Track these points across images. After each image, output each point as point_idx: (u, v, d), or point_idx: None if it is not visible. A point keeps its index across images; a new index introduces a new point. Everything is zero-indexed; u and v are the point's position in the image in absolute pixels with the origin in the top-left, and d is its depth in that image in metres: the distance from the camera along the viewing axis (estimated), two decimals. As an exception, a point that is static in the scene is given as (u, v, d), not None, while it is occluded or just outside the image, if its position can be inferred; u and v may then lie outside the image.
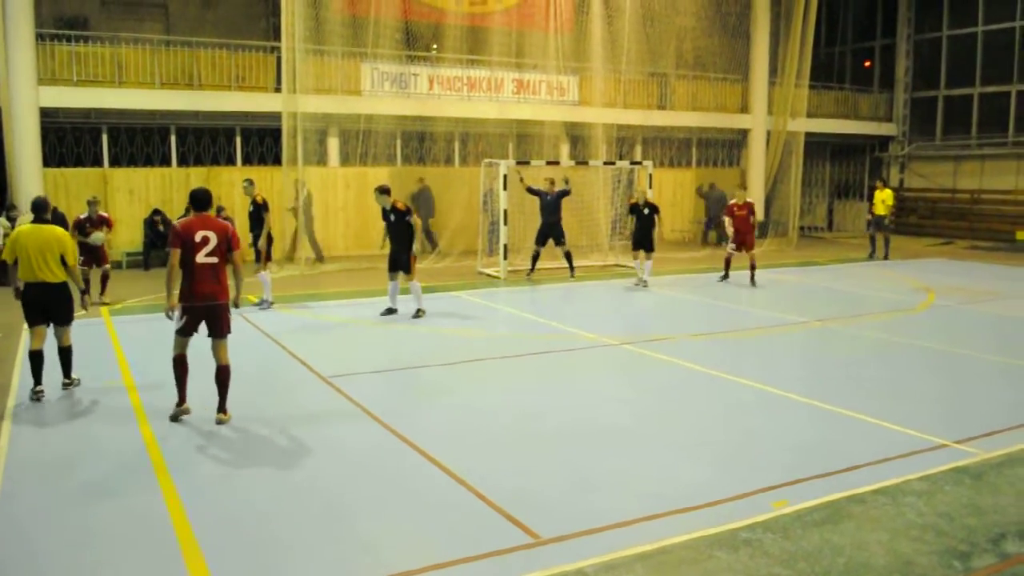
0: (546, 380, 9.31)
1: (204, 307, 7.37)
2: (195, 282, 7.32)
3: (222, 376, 7.51)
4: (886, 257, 20.86)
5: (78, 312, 8.81)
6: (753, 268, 16.08)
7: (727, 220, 16.18)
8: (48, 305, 8.23)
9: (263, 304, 13.20)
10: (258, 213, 13.17)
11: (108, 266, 13.54)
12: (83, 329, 11.51)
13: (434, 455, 6.60)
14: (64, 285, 8.26)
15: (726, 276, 16.40)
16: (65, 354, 8.50)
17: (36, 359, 8.24)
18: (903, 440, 7.06)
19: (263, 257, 13.21)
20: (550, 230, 16.90)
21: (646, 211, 15.74)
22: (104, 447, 6.88)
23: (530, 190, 17.08)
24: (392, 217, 12.48)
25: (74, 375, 8.64)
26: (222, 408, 7.53)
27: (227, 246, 7.43)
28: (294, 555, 5.01)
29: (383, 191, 12.57)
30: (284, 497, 5.86)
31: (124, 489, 5.98)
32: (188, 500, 5.71)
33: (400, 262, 12.57)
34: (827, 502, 5.69)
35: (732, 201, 16.34)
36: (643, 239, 15.81)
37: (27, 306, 8.24)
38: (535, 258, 17.22)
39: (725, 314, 13.71)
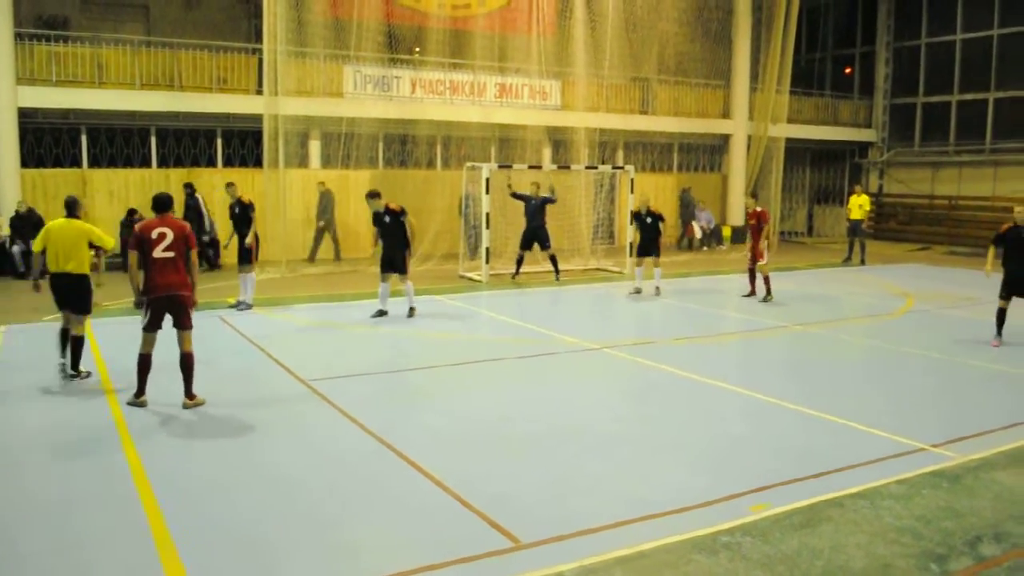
0: (526, 384, 9.31)
1: (166, 297, 7.80)
2: (155, 274, 7.78)
3: (186, 363, 7.92)
4: (863, 262, 21.02)
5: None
6: (752, 277, 15.24)
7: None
8: (68, 294, 8.80)
9: (240, 305, 13.17)
10: (245, 213, 13.20)
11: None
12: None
13: (414, 459, 6.59)
14: (84, 277, 8.83)
15: (751, 292, 15.29)
16: (76, 343, 8.88)
17: (64, 336, 8.96)
18: (881, 444, 7.11)
19: (252, 257, 13.22)
20: (534, 234, 16.96)
21: (648, 220, 15.31)
22: (82, 452, 6.82)
23: (515, 195, 17.13)
24: (387, 219, 12.61)
25: (82, 368, 8.95)
26: (188, 393, 7.96)
27: (184, 243, 7.91)
28: (274, 559, 4.98)
29: (373, 195, 12.74)
30: (264, 501, 5.83)
31: (100, 491, 5.93)
32: (165, 503, 5.67)
33: (395, 262, 12.66)
34: (806, 506, 5.72)
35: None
36: (649, 246, 15.40)
37: (54, 292, 8.89)
38: (519, 262, 17.27)
39: (706, 318, 13.77)
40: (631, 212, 16.17)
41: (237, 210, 13.26)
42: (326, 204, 19.39)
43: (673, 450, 7.06)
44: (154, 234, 7.76)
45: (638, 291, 15.63)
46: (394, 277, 12.78)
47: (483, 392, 8.97)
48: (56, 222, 8.93)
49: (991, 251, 11.66)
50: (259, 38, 19.14)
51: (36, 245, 8.92)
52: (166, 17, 22.06)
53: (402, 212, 12.60)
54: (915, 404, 8.63)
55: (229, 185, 13.73)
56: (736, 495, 5.92)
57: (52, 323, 11.89)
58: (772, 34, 24.66)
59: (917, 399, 8.86)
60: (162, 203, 8.00)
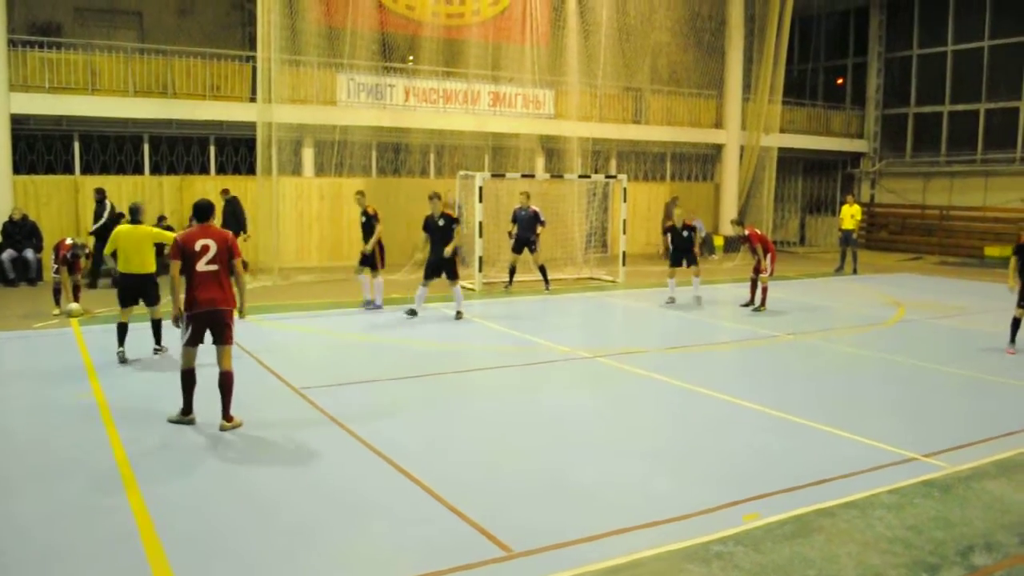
0: (519, 393, 9.31)
1: (207, 312, 7.45)
2: (197, 289, 7.43)
3: (225, 382, 7.54)
4: (855, 271, 21.11)
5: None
6: (753, 287, 15.13)
7: None
8: (139, 291, 10.15)
9: (370, 306, 14.04)
10: (369, 223, 13.87)
11: (79, 275, 13.41)
12: (52, 339, 11.40)
13: (406, 468, 6.57)
14: (152, 275, 10.18)
15: (749, 301, 15.20)
16: (156, 325, 10.45)
17: (123, 329, 10.09)
18: (872, 453, 7.12)
19: (376, 263, 13.91)
20: (526, 241, 17.00)
21: (685, 233, 15.44)
22: (72, 462, 6.77)
23: (514, 219, 17.16)
24: (441, 222, 13.14)
25: (164, 343, 10.52)
26: (226, 415, 7.58)
27: (228, 254, 7.55)
28: (267, 569, 4.96)
29: (437, 196, 13.34)
30: (254, 511, 5.81)
31: (91, 502, 5.90)
32: (156, 512, 5.64)
33: (443, 267, 13.19)
34: (797, 515, 5.72)
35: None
36: (682, 256, 15.52)
37: (122, 291, 10.09)
38: (512, 271, 17.27)
39: (698, 327, 13.78)
40: (666, 227, 16.06)
41: (364, 219, 13.93)
42: (231, 214, 17.43)
43: (665, 459, 7.06)
44: (197, 246, 7.38)
45: (672, 300, 15.52)
46: (434, 282, 13.45)
47: (475, 401, 8.96)
48: (123, 227, 10.17)
49: (1012, 262, 11.42)
50: (253, 46, 19.14)
51: (107, 249, 10.10)
52: (159, 24, 22.02)
53: (457, 220, 13.32)
54: (906, 413, 8.64)
55: (359, 194, 14.36)
56: (727, 504, 5.92)
57: (42, 331, 11.89)
58: (764, 45, 24.81)
59: (908, 408, 8.87)
60: (204, 211, 7.65)
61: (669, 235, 15.82)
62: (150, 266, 10.12)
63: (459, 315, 13.45)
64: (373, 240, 13.84)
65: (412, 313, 13.45)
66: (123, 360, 9.99)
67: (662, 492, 6.24)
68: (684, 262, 15.59)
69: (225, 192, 17.65)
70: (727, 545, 5.24)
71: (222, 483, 6.33)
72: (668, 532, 5.44)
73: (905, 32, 28.54)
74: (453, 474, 6.52)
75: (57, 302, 13.09)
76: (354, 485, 6.31)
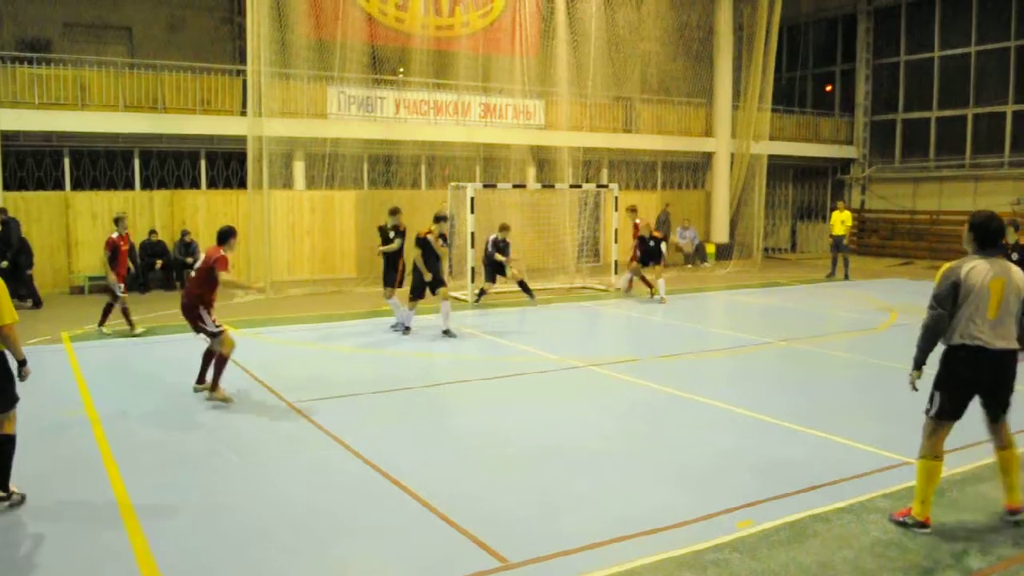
0: (512, 403, 9.30)
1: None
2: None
3: (207, 356, 9.25)
4: (846, 277, 21.18)
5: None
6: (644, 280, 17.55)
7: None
8: None
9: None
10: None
11: (123, 289, 12.91)
12: (45, 356, 11.35)
13: (400, 479, 6.56)
14: None
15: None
16: (4, 448, 5.99)
17: None
18: (866, 458, 7.14)
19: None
20: (501, 268, 16.64)
21: (651, 243, 16.96)
22: (66, 486, 6.75)
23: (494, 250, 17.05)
24: (442, 242, 13.39)
25: (13, 487, 6.05)
26: (213, 384, 9.06)
27: (207, 266, 9.06)
28: (259, 582, 4.95)
29: (440, 219, 13.43)
30: (249, 525, 5.79)
31: (89, 532, 5.88)
32: (148, 529, 5.63)
33: (429, 284, 13.19)
34: (792, 521, 5.73)
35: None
36: (651, 260, 17.13)
37: None
38: (522, 284, 16.96)
39: (690, 335, 13.80)
40: (637, 236, 17.50)
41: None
42: (6, 237, 15.89)
43: (660, 467, 7.06)
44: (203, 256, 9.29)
45: (624, 289, 17.76)
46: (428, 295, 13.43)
47: (469, 412, 8.97)
48: None
49: None
50: (243, 59, 19.16)
51: None
52: (149, 39, 22.04)
53: (421, 241, 13.02)
54: (900, 418, 8.62)
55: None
56: (723, 511, 5.92)
57: (43, 345, 11.83)
58: (753, 52, 24.90)
59: (902, 413, 8.82)
60: (219, 235, 9.29)
61: (638, 242, 17.26)
62: None
63: (447, 333, 13.07)
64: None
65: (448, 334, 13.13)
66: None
67: (656, 500, 6.24)
68: (651, 263, 17.11)
69: (2, 212, 16.35)
70: (722, 552, 5.24)
71: (216, 497, 6.30)
72: (663, 540, 5.44)
73: (892, 39, 28.72)
74: (446, 485, 6.51)
75: (127, 322, 13.05)
76: (348, 498, 6.30)
